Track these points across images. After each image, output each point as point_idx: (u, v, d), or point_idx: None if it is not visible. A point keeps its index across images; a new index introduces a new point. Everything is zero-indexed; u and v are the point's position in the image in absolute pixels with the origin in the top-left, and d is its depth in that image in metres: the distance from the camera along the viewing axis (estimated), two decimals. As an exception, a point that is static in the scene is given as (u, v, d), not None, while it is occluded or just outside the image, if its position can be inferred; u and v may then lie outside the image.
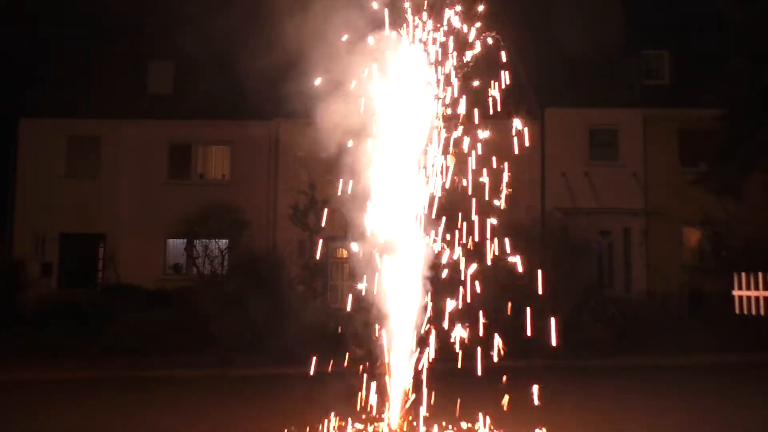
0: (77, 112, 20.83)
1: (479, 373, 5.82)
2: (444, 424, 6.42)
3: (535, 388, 5.77)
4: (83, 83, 20.80)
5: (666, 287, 19.58)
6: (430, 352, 6.22)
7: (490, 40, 6.44)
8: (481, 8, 6.51)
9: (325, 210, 7.29)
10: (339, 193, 6.30)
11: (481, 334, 5.97)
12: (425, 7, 6.58)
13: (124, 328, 14.36)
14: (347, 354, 6.25)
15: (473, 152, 6.25)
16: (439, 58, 6.54)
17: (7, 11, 21.45)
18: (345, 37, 6.27)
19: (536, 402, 5.75)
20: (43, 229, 20.58)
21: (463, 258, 6.18)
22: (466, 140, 6.29)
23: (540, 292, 5.87)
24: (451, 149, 6.47)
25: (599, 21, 21.29)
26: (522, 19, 19.60)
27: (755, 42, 15.80)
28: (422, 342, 6.29)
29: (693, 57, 20.66)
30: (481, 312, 6.01)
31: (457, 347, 6.05)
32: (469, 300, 6.10)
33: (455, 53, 6.52)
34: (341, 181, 6.36)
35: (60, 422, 8.12)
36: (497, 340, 5.92)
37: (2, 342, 13.93)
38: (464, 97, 6.44)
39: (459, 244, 6.22)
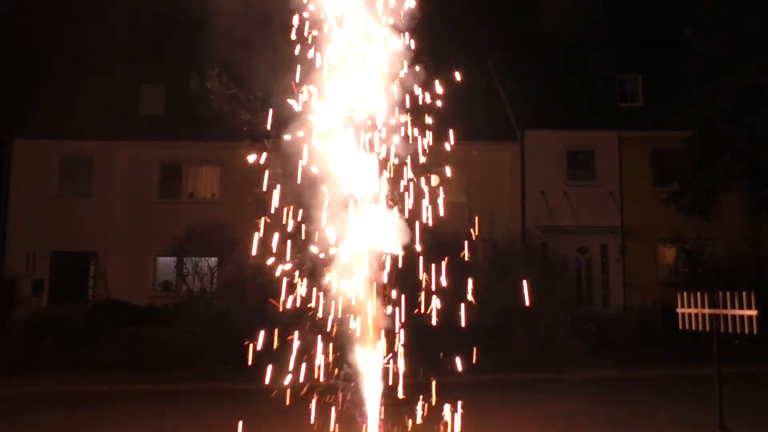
0: (70, 134, 21.17)
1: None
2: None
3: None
4: (76, 105, 21.08)
5: (642, 302, 20.15)
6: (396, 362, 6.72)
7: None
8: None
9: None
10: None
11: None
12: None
13: (113, 343, 14.72)
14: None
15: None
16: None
17: (1, 34, 21.92)
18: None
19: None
20: (34, 247, 20.86)
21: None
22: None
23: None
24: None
25: (577, 46, 22.16)
26: (502, 45, 20.48)
27: (718, 69, 16.58)
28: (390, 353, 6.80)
29: (666, 81, 21.52)
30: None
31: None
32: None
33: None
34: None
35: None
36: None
37: (-6, 356, 14.24)
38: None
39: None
